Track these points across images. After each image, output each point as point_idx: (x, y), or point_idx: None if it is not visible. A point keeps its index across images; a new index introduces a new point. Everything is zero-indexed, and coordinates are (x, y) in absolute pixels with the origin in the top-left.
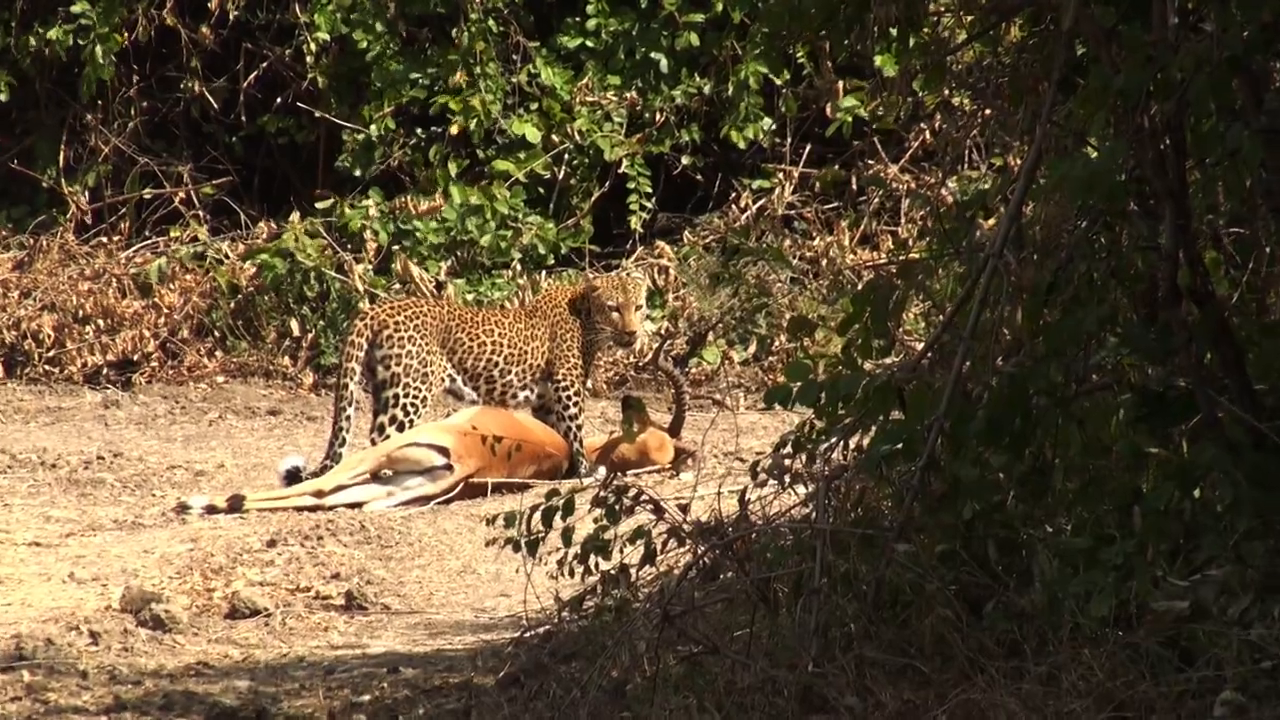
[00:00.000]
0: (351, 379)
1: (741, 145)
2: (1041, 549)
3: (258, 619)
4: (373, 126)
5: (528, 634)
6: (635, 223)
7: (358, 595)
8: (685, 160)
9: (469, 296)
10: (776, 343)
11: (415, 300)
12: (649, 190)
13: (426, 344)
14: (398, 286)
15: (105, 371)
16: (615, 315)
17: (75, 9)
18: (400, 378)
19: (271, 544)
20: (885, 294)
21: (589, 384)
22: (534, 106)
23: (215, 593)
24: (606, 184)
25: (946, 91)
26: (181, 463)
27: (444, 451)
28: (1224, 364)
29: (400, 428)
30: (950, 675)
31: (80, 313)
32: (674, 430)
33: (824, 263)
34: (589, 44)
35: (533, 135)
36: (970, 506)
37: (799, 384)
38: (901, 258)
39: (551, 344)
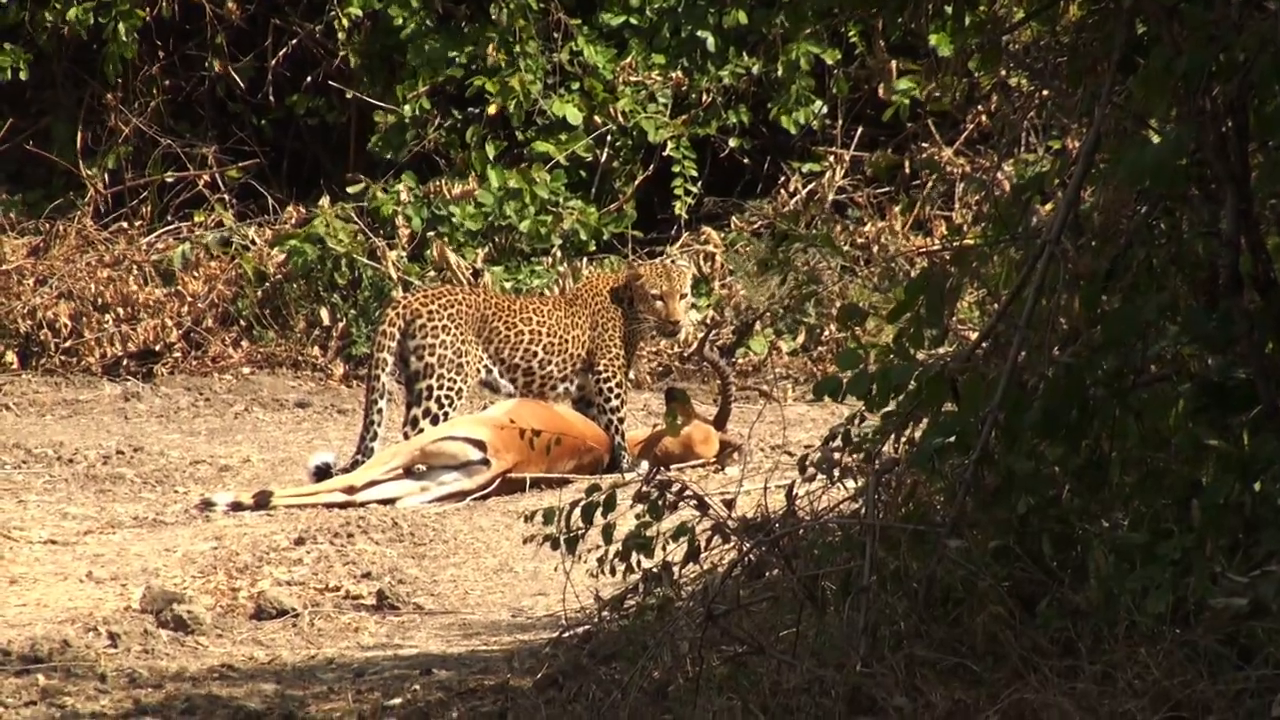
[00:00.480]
0: (384, 370)
1: (792, 130)
2: (1097, 544)
3: (285, 620)
4: (407, 107)
5: (566, 634)
6: (680, 208)
7: (389, 595)
8: (733, 143)
9: (507, 284)
10: (826, 332)
11: (451, 288)
12: (695, 174)
13: (462, 334)
14: (433, 274)
15: (125, 362)
16: (659, 304)
17: None
18: (434, 369)
19: (300, 542)
20: (940, 282)
21: (631, 375)
22: (575, 86)
23: (240, 593)
24: (651, 167)
25: (1003, 72)
26: (205, 457)
27: (480, 445)
28: None
29: (434, 421)
30: (1002, 674)
31: (99, 301)
32: (719, 423)
33: (876, 249)
34: (633, 21)
35: (574, 116)
36: (1024, 501)
37: (849, 375)
38: (956, 244)
39: (593, 334)
